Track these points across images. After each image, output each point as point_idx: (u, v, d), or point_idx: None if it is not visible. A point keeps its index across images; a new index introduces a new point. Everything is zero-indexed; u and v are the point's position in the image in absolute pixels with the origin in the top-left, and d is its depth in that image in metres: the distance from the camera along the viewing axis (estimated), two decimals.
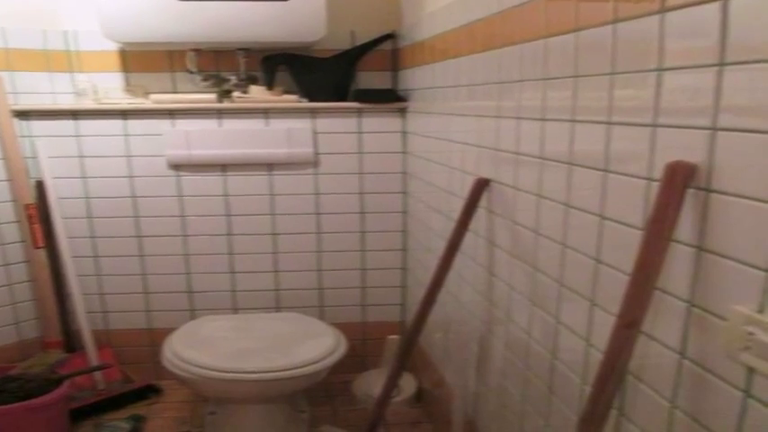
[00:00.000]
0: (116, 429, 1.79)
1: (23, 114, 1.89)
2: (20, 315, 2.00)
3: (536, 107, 1.05)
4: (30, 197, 1.91)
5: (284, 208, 2.04)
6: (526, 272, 1.13)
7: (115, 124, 1.93)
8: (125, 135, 1.94)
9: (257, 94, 1.92)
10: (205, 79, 1.95)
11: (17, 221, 1.94)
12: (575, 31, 0.91)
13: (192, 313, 2.09)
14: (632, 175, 0.79)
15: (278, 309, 2.13)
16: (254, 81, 1.96)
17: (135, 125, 1.94)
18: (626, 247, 0.81)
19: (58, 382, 1.68)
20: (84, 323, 1.97)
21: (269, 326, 1.79)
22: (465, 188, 1.38)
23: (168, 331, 1.81)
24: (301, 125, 1.96)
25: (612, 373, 0.74)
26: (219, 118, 1.95)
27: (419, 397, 1.99)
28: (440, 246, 1.58)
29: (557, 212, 1.00)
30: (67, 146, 1.93)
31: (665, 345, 0.75)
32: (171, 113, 1.94)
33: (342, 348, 1.68)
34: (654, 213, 0.70)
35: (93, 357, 1.97)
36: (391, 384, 1.44)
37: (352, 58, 1.98)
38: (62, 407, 1.71)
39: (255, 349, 1.62)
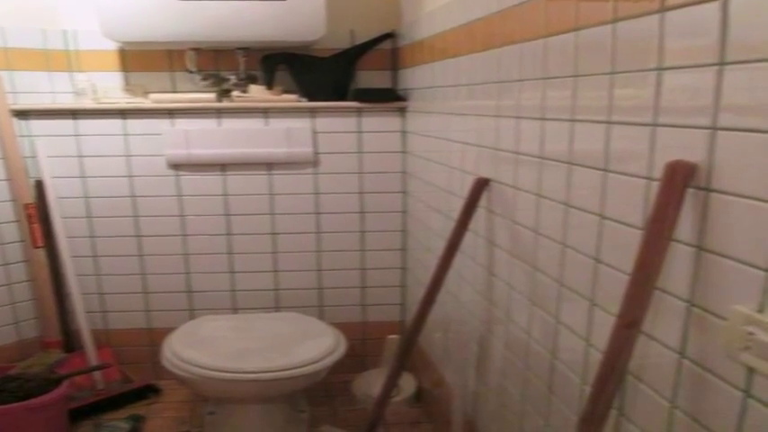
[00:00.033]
0: (115, 429, 1.79)
1: (23, 114, 1.89)
2: (19, 315, 2.00)
3: (536, 106, 1.05)
4: (29, 197, 1.91)
5: (284, 207, 2.04)
6: (526, 271, 1.13)
7: (114, 124, 1.93)
8: (124, 134, 1.94)
9: (257, 93, 1.92)
10: (204, 79, 1.95)
11: (16, 221, 1.94)
12: (574, 30, 0.91)
13: (192, 313, 2.09)
14: (632, 175, 0.79)
15: (277, 308, 2.12)
16: (253, 80, 1.96)
17: (134, 125, 1.93)
18: (626, 247, 0.81)
19: (58, 381, 1.68)
20: (84, 323, 1.97)
21: (268, 326, 1.79)
22: (465, 188, 1.38)
23: (167, 331, 1.81)
24: (301, 124, 1.96)
25: (612, 373, 0.74)
26: (219, 117, 1.95)
27: (419, 397, 1.98)
28: (439, 245, 1.58)
29: (556, 212, 1.00)
30: (67, 145, 1.93)
31: (665, 345, 0.74)
32: (170, 113, 1.94)
33: (341, 348, 1.68)
34: (654, 213, 0.70)
35: (93, 357, 1.96)
36: (391, 384, 1.44)
37: (351, 57, 1.98)
38: (61, 407, 1.71)
39: (255, 349, 1.62)
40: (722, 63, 0.63)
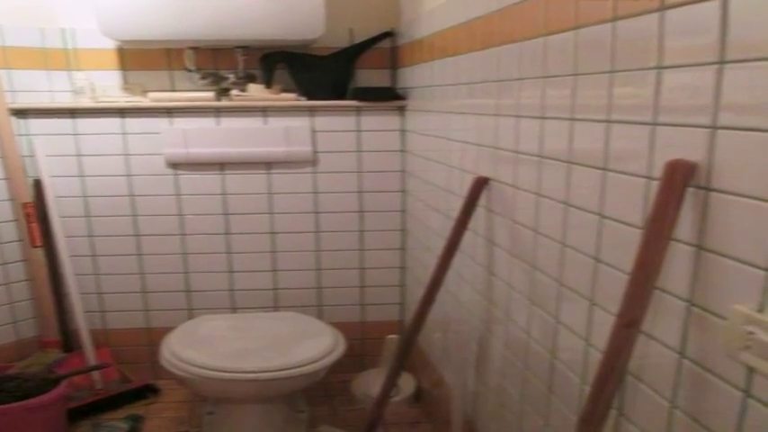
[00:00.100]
0: (114, 429, 1.79)
1: (21, 113, 1.89)
2: (17, 314, 1.99)
3: (535, 105, 1.04)
4: (27, 196, 1.90)
5: (282, 207, 2.04)
6: (525, 271, 1.13)
7: (113, 122, 1.93)
8: (123, 133, 1.94)
9: (255, 92, 1.91)
10: (203, 77, 1.95)
11: (15, 220, 1.94)
12: (574, 28, 0.90)
13: (190, 312, 2.09)
14: (632, 174, 0.78)
15: (276, 308, 2.12)
16: (252, 79, 1.96)
17: (133, 123, 1.93)
18: (625, 246, 0.80)
19: (56, 381, 1.68)
20: (82, 322, 1.96)
21: (267, 325, 1.79)
22: (464, 187, 1.38)
23: (166, 331, 1.80)
24: (300, 123, 1.96)
25: (612, 373, 0.74)
26: (218, 116, 1.95)
27: (418, 397, 1.98)
28: (439, 245, 1.58)
29: (556, 211, 1.00)
30: (65, 144, 1.93)
31: (665, 344, 0.74)
32: (169, 112, 1.93)
33: (340, 348, 1.68)
34: (653, 212, 0.70)
35: (91, 357, 1.96)
36: (390, 384, 1.44)
37: (350, 55, 1.97)
38: (60, 406, 1.71)
39: (254, 349, 1.62)
40: (722, 62, 0.62)
